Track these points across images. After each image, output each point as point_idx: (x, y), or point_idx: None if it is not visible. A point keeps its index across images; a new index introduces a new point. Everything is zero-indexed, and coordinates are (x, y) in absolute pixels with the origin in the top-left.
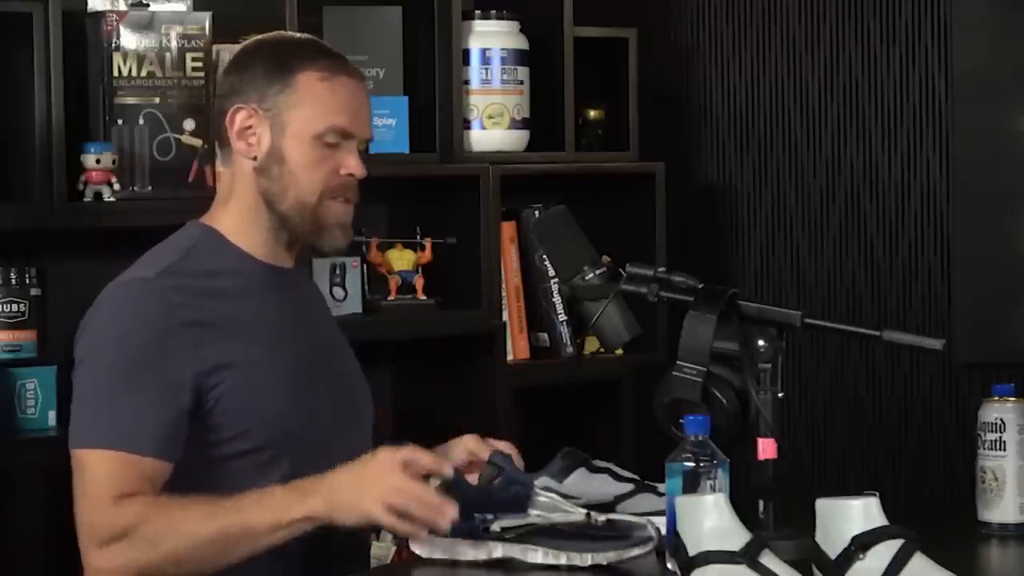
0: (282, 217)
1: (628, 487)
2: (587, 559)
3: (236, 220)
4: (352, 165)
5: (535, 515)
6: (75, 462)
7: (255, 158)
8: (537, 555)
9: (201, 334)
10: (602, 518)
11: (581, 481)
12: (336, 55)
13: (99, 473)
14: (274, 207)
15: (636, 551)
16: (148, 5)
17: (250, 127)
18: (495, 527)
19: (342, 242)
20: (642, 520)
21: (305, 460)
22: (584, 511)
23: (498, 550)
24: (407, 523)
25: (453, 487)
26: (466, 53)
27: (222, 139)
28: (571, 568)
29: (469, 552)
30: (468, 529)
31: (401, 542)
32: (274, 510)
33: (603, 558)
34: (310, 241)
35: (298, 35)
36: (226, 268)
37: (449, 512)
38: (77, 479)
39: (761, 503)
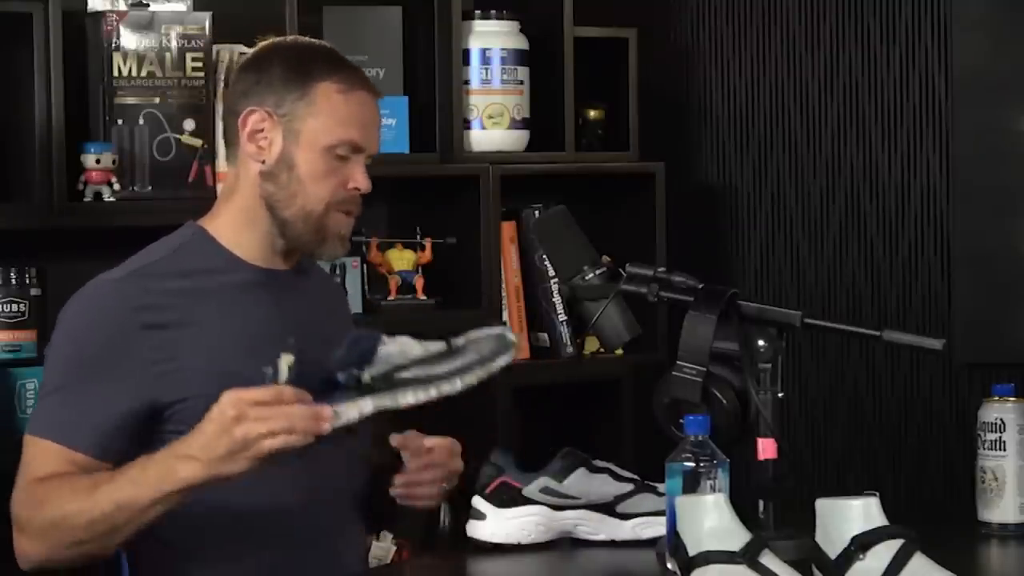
0: (283, 223)
1: (628, 487)
2: (456, 384)
3: (233, 220)
4: (359, 180)
5: (389, 355)
6: (23, 445)
7: (263, 162)
8: (408, 396)
9: (166, 336)
10: (460, 341)
11: (581, 481)
12: (354, 67)
13: (34, 460)
14: (276, 212)
15: (501, 360)
16: (148, 5)
17: (262, 130)
18: (365, 377)
19: (339, 253)
20: (495, 330)
21: (289, 461)
22: (442, 341)
23: (368, 405)
24: (291, 438)
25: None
26: (466, 53)
27: (231, 138)
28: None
29: (342, 415)
30: (336, 389)
31: (401, 542)
32: (151, 485)
33: (473, 378)
34: (309, 250)
35: (316, 42)
36: (211, 268)
37: (324, 413)
38: (21, 462)
39: (761, 503)
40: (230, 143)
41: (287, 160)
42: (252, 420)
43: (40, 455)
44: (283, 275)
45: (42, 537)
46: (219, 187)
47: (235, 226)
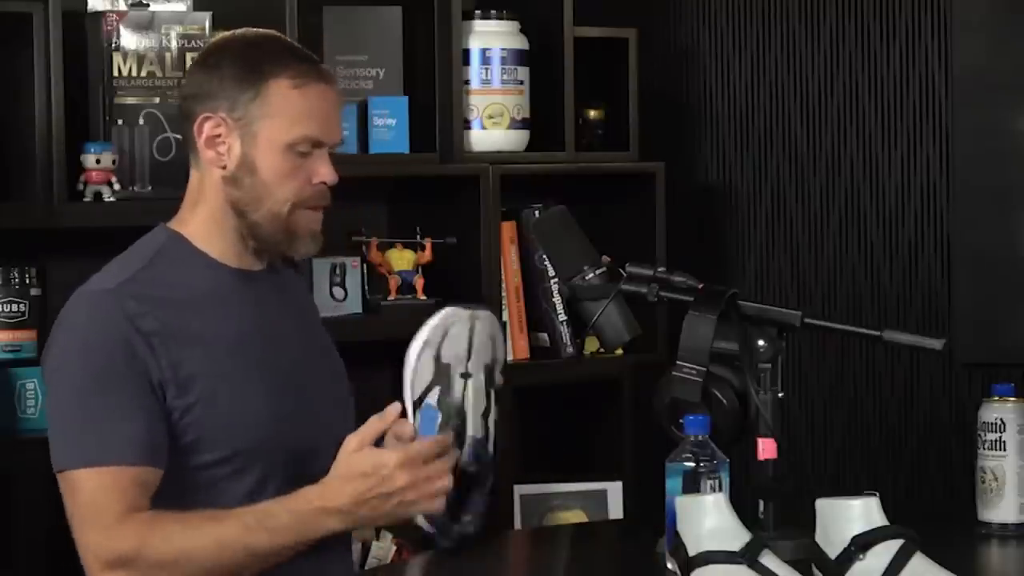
0: (252, 225)
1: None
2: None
3: (203, 225)
4: (324, 173)
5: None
6: (64, 484)
7: (224, 167)
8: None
9: (162, 343)
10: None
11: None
12: (306, 57)
13: (93, 492)
14: (245, 216)
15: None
16: (148, 5)
17: (219, 136)
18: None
19: (313, 250)
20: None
21: (278, 466)
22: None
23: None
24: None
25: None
26: (466, 53)
27: (189, 142)
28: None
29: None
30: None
31: (401, 542)
32: (290, 534)
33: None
34: (281, 250)
35: (266, 34)
36: (191, 275)
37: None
38: (70, 501)
39: (761, 503)
40: (190, 148)
41: (248, 164)
42: (422, 483)
43: (98, 484)
44: (258, 275)
45: (155, 572)
46: None
47: (206, 230)
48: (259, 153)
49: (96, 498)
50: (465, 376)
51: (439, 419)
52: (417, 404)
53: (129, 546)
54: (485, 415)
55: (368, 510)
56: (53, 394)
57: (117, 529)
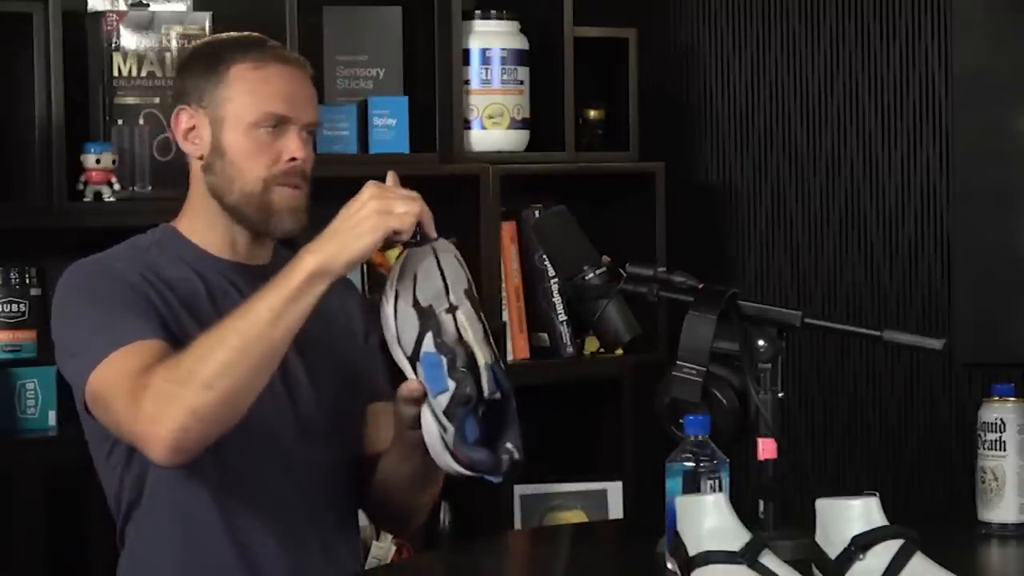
0: (232, 210)
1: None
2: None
3: (196, 220)
4: (293, 149)
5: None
6: (94, 390)
7: (201, 156)
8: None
9: (162, 302)
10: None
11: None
12: (271, 45)
13: (119, 368)
14: (224, 201)
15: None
16: (148, 5)
17: (193, 127)
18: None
19: (293, 227)
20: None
21: (247, 459)
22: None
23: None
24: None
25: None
26: (466, 53)
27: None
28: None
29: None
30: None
31: (401, 542)
32: (274, 291)
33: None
34: (263, 229)
35: (235, 34)
36: (182, 267)
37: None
38: (104, 398)
39: (761, 503)
40: (180, 149)
41: (218, 148)
42: (388, 194)
43: (122, 359)
44: (258, 271)
45: (167, 393)
46: None
47: (199, 225)
48: (226, 135)
49: (122, 371)
50: (451, 310)
51: (444, 363)
52: (414, 358)
53: (148, 379)
54: (487, 338)
55: (333, 229)
56: (62, 328)
57: (140, 376)
